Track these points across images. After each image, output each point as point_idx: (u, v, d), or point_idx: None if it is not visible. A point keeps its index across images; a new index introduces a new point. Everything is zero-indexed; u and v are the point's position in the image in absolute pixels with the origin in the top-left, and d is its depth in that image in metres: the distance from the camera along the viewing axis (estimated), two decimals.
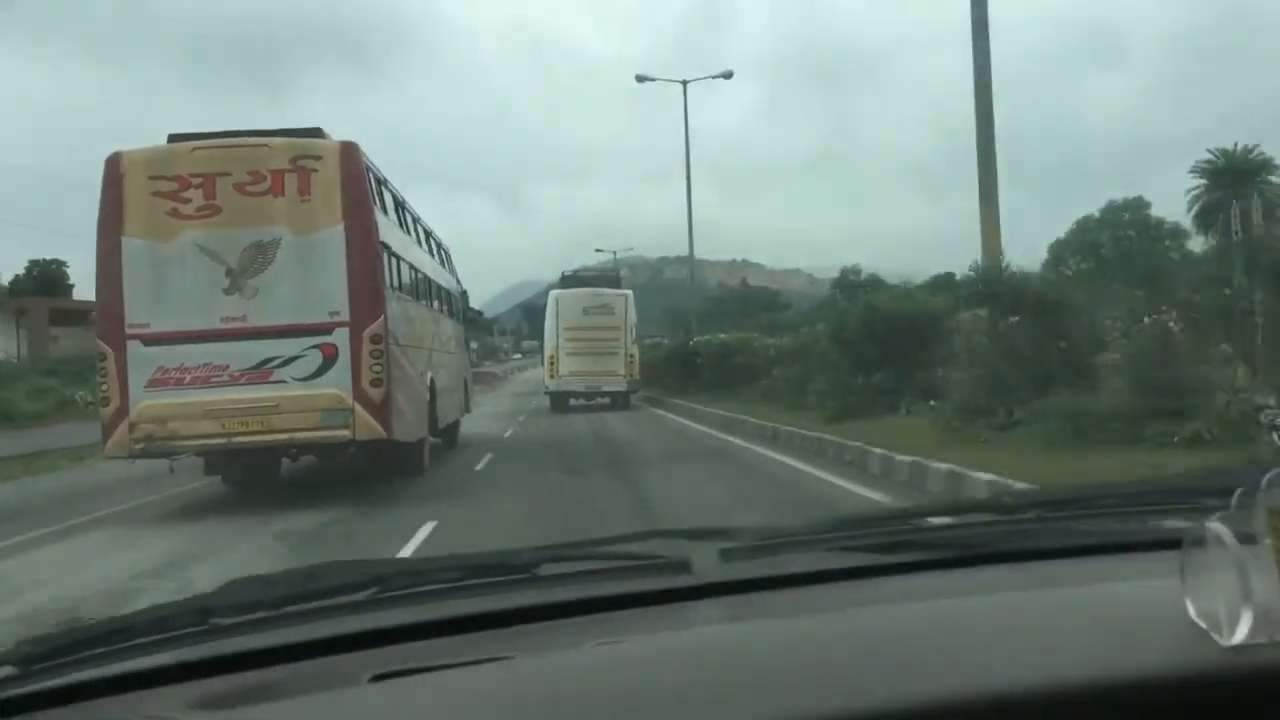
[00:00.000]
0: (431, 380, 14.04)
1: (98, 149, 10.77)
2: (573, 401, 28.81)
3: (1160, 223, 65.23)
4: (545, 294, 33.43)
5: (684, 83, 36.10)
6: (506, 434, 20.52)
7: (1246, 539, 0.91)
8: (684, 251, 43.29)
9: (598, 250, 56.67)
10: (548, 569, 1.44)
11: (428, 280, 15.24)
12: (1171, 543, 1.03)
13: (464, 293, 20.45)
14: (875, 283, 77.05)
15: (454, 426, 17.39)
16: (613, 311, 29.00)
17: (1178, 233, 63.74)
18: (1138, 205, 67.30)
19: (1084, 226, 67.27)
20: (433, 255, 16.81)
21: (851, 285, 78.54)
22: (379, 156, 11.60)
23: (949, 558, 1.41)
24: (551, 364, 29.02)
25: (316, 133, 11.31)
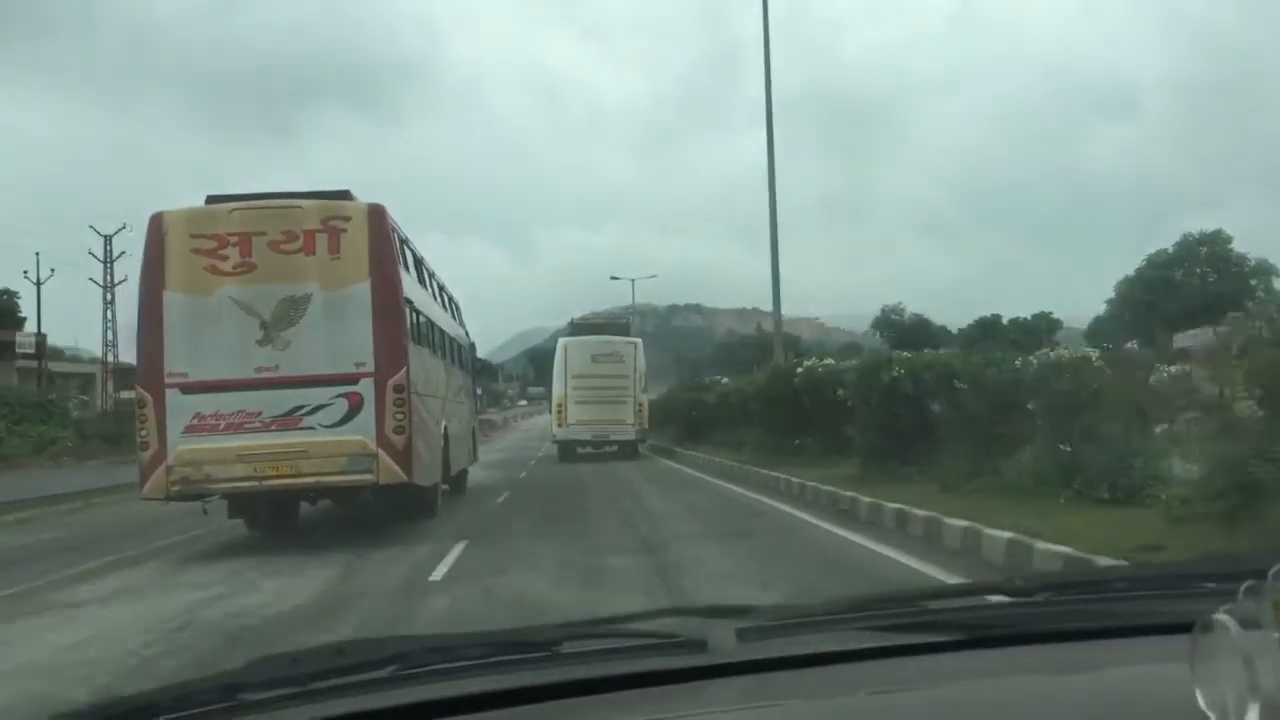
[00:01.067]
0: (445, 428, 14.70)
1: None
2: (580, 450, 28.66)
3: (1242, 258, 59.42)
4: (553, 340, 33.44)
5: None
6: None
7: (1254, 629, 0.93)
8: (693, 299, 45.19)
9: (613, 278, 54.17)
10: (567, 646, 1.46)
11: (442, 333, 15.94)
12: (1181, 627, 1.06)
13: (472, 344, 21.24)
14: (921, 323, 75.22)
15: (463, 474, 18.00)
16: (622, 359, 28.77)
17: (1265, 269, 58.17)
18: (1216, 239, 60.98)
19: (1154, 262, 61.72)
20: (446, 309, 17.54)
21: (893, 325, 75.98)
22: (384, 200, 12.20)
23: (962, 640, 1.43)
24: (559, 412, 28.74)
25: (345, 195, 12.05)
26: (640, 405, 28.70)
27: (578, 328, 31.71)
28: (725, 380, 33.24)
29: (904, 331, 70.26)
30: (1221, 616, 0.94)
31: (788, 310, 32.47)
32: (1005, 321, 70.46)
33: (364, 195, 12.22)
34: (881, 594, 1.59)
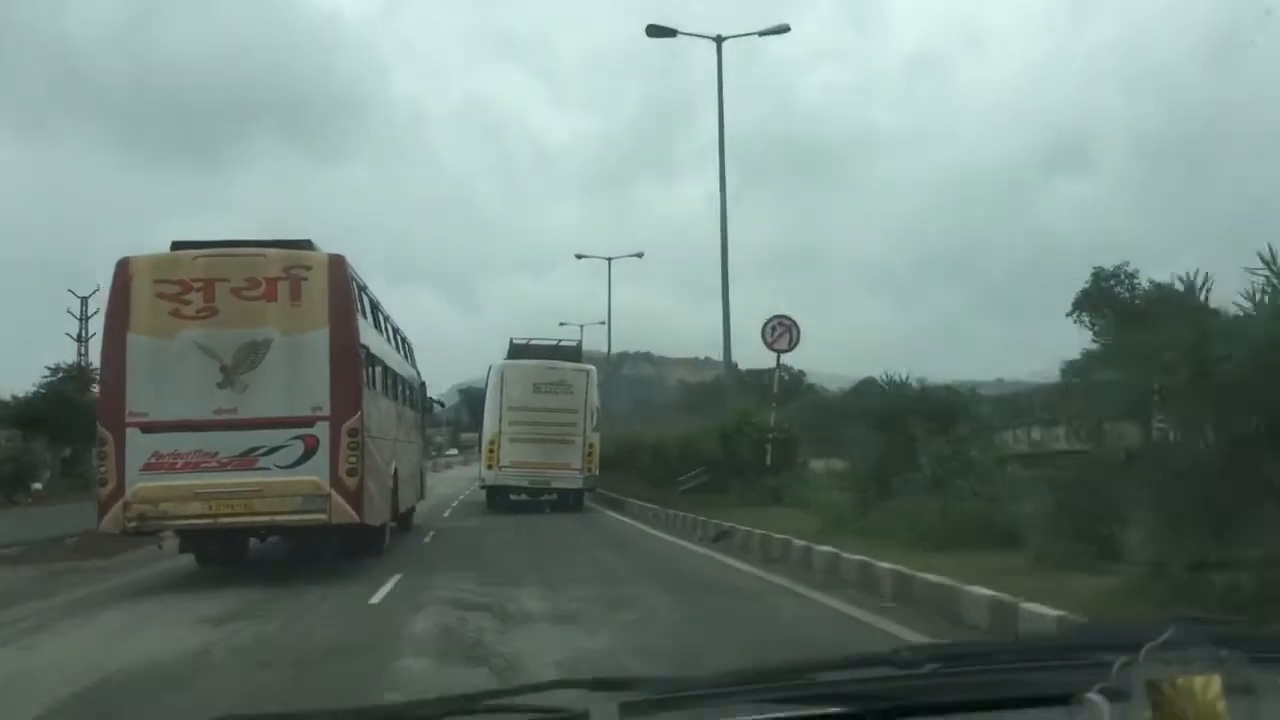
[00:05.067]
0: (395, 469, 15.15)
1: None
2: (513, 497, 24.18)
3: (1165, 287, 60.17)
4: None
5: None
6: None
7: (1125, 706, 0.98)
8: (642, 348, 45.96)
9: (562, 324, 48.33)
10: None
11: (395, 376, 16.44)
12: (1060, 699, 1.11)
13: (423, 384, 21.70)
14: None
15: (410, 511, 18.43)
16: (570, 390, 23.70)
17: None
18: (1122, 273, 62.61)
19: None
20: (399, 350, 18.04)
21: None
22: (322, 240, 12.72)
23: (848, 713, 1.44)
24: (491, 452, 23.61)
25: (307, 244, 12.57)
26: (591, 447, 23.78)
27: (518, 350, 25.75)
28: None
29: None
30: (1094, 696, 0.99)
31: (750, 360, 32.37)
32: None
33: (293, 234, 12.86)
34: (770, 666, 1.54)
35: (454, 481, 40.46)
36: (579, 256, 44.85)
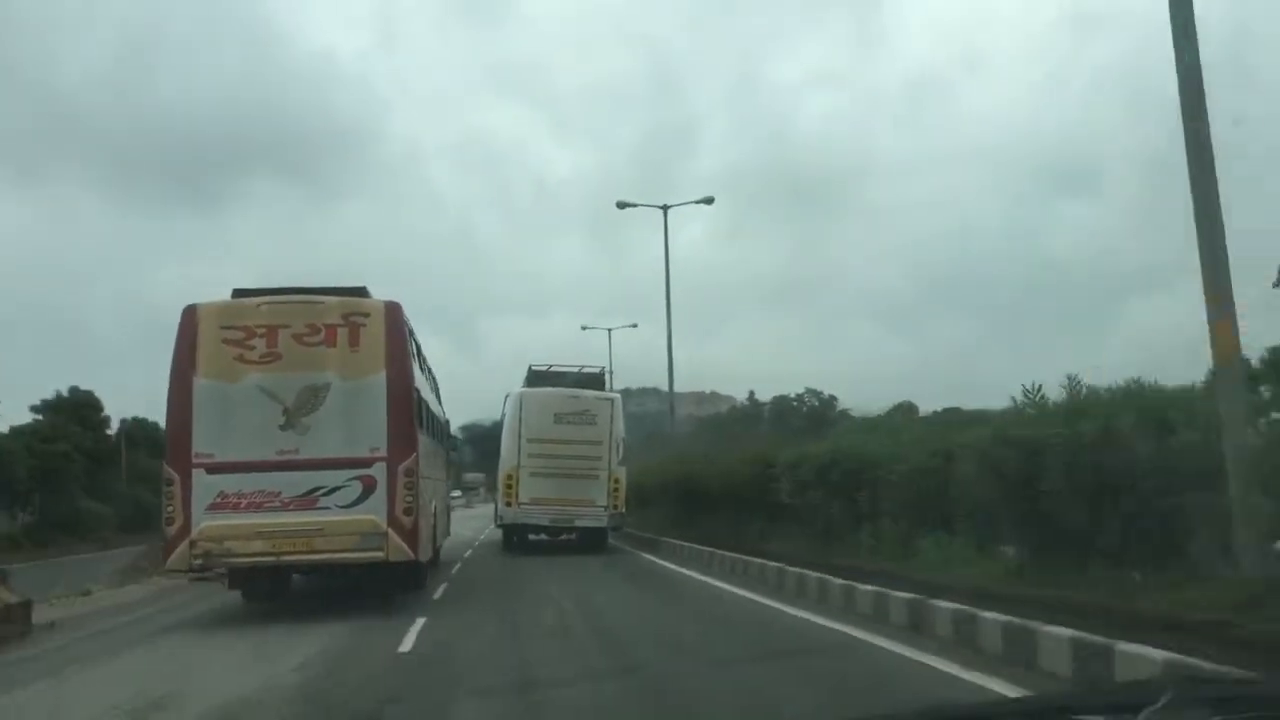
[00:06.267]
0: (434, 506, 15.60)
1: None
2: (532, 537, 22.87)
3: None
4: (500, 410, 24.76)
5: (664, 207, 32.65)
6: None
7: None
8: (648, 384, 46.65)
9: (584, 328, 47.31)
10: None
11: (433, 416, 16.92)
12: None
13: (447, 421, 21.91)
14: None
15: (439, 549, 18.85)
16: (594, 421, 22.22)
17: None
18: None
19: None
20: (433, 390, 18.54)
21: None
22: (321, 279, 13.15)
23: None
24: (509, 487, 22.20)
25: (362, 292, 13.08)
26: (616, 482, 22.17)
27: (538, 377, 24.49)
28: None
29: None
30: None
31: (745, 395, 33.42)
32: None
33: (293, 274, 13.39)
34: None
35: (459, 522, 33.72)
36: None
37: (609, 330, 47.11)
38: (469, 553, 23.37)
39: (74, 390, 48.78)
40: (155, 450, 44.52)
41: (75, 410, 46.58)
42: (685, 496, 23.44)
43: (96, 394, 49.59)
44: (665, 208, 30.88)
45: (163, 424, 12.48)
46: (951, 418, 15.11)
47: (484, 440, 41.60)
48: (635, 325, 48.37)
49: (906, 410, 19.81)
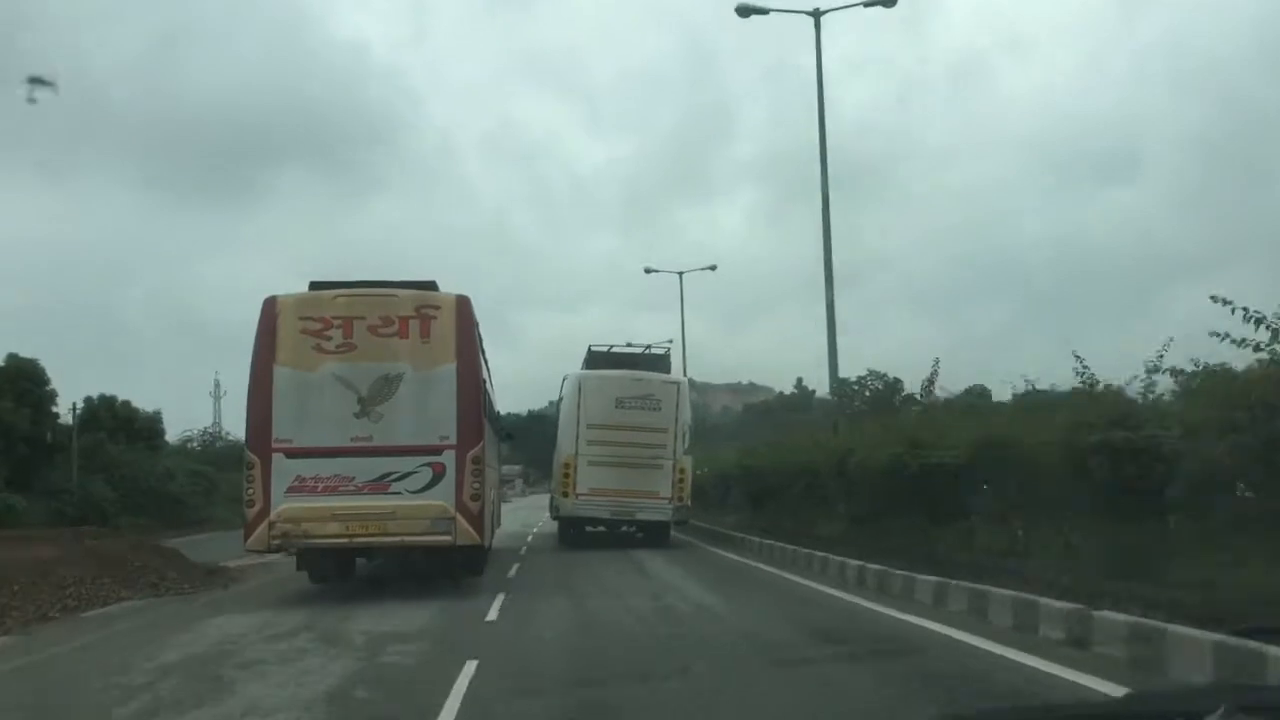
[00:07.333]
0: (494, 494, 16.12)
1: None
2: (590, 529, 21.31)
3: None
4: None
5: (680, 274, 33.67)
6: None
7: None
8: (684, 374, 43.78)
9: (648, 270, 42.23)
10: None
11: (493, 406, 17.43)
12: None
13: (498, 412, 22.18)
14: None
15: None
16: (659, 406, 20.71)
17: None
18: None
19: None
20: (490, 383, 19.04)
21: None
22: (350, 272, 13.63)
23: None
24: (566, 477, 20.90)
25: (432, 285, 13.55)
26: (682, 472, 20.75)
27: (598, 358, 22.82)
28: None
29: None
30: None
31: (783, 386, 31.83)
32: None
33: (326, 268, 13.90)
34: None
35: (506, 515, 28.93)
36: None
37: (680, 274, 40.88)
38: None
39: (12, 358, 37.28)
40: (126, 437, 39.48)
41: (11, 383, 35.79)
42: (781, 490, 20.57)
43: (41, 364, 37.74)
44: (817, 12, 21.04)
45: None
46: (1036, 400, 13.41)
47: (528, 433, 40.80)
48: (714, 267, 43.09)
49: (979, 394, 19.46)
